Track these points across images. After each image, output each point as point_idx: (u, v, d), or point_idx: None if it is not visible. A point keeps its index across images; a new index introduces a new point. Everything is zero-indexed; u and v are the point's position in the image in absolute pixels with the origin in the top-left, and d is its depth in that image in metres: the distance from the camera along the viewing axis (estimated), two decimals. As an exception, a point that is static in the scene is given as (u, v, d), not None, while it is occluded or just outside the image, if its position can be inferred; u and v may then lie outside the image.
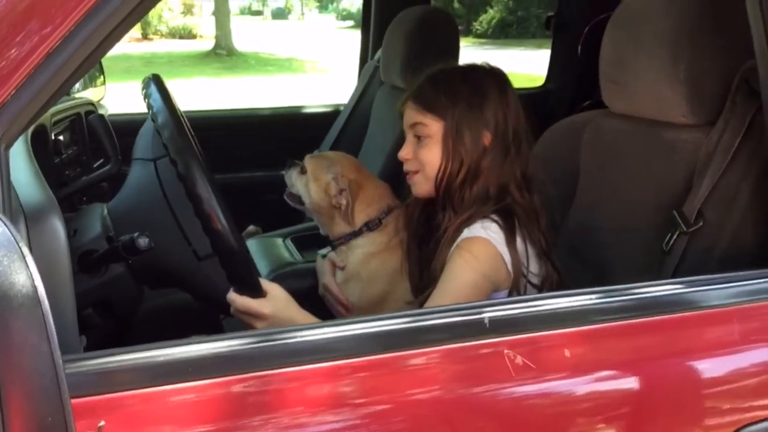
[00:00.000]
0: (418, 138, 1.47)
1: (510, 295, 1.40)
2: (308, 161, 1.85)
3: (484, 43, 16.56)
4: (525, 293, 1.41)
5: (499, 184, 1.44)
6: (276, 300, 1.25)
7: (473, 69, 1.53)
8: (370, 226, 1.72)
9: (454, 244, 1.40)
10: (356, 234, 1.73)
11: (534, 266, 1.44)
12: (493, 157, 1.44)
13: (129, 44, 16.50)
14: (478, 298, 1.35)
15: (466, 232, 1.40)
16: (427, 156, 1.46)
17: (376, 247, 1.71)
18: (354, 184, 1.74)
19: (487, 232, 1.39)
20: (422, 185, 1.49)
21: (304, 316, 1.27)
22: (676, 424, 1.08)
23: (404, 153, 1.50)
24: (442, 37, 2.48)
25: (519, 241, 1.42)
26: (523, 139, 1.47)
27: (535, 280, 1.43)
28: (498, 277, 1.39)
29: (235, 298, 1.24)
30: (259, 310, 1.23)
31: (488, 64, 1.55)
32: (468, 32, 17.68)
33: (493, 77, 1.50)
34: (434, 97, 1.45)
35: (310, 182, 1.81)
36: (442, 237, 1.44)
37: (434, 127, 1.45)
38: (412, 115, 1.48)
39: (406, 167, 1.51)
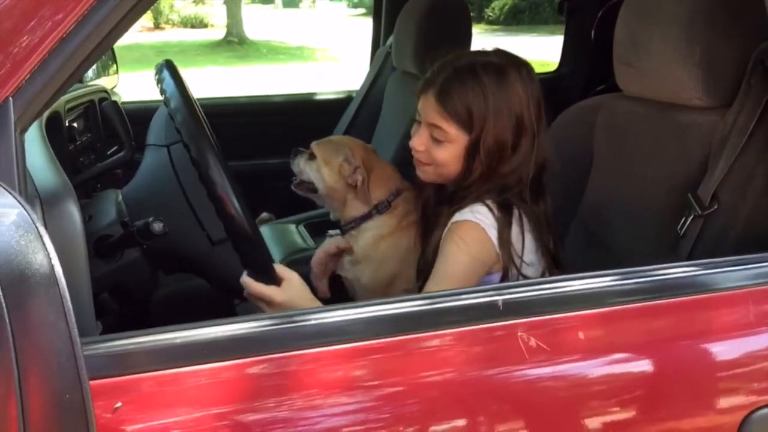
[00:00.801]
0: (435, 139, 1.42)
1: (502, 280, 1.39)
2: (315, 147, 1.85)
3: (496, 29, 16.47)
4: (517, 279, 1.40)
5: (512, 182, 1.41)
6: (291, 288, 1.25)
7: (503, 68, 1.41)
8: (380, 208, 1.73)
9: (446, 229, 1.40)
10: (366, 217, 1.73)
11: (530, 257, 1.42)
12: (514, 161, 1.40)
13: (141, 34, 16.54)
14: (471, 280, 1.35)
15: (456, 216, 1.40)
16: (441, 157, 1.42)
17: (386, 230, 1.72)
18: (366, 162, 1.75)
19: (474, 215, 1.38)
20: (432, 176, 1.47)
21: (317, 305, 1.26)
22: (690, 406, 1.08)
23: (417, 144, 1.44)
24: (454, 23, 2.46)
25: (516, 230, 1.40)
26: (542, 134, 1.43)
27: (528, 271, 1.41)
28: (488, 258, 1.38)
29: (248, 282, 1.24)
30: (272, 297, 1.23)
31: (517, 58, 1.46)
32: (480, 19, 17.59)
33: (521, 75, 1.41)
34: (461, 105, 1.38)
35: (322, 167, 1.81)
36: (437, 222, 1.45)
37: (456, 135, 1.39)
38: (432, 115, 1.41)
39: (416, 155, 1.47)
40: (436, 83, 1.42)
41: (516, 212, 1.40)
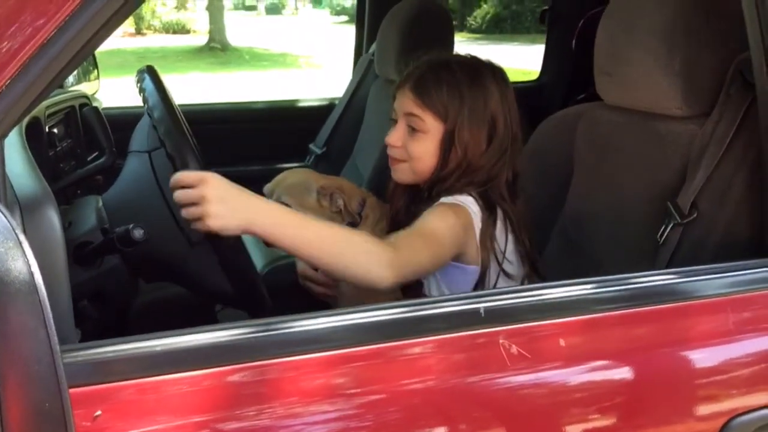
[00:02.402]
0: (411, 128, 1.43)
1: (481, 277, 1.39)
2: (284, 196, 1.76)
3: (478, 38, 16.55)
4: (497, 280, 1.41)
5: (487, 178, 1.42)
6: (216, 180, 1.12)
7: (477, 67, 1.47)
8: (353, 223, 1.72)
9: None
10: None
11: (511, 256, 1.43)
12: (488, 158, 1.41)
13: (122, 39, 16.45)
14: (442, 246, 1.32)
15: (443, 200, 1.39)
16: (417, 150, 1.42)
17: None
18: (336, 186, 1.74)
19: (459, 200, 1.38)
20: (407, 175, 1.46)
21: (255, 197, 1.15)
22: (670, 413, 1.09)
23: (393, 139, 1.44)
24: (436, 30, 2.47)
25: (499, 225, 1.41)
26: (518, 140, 1.46)
27: (509, 269, 1.42)
28: (465, 240, 1.37)
29: (179, 175, 1.13)
30: (204, 177, 1.11)
31: (490, 61, 1.50)
32: (462, 27, 17.67)
33: (496, 77, 1.45)
34: (437, 94, 1.40)
35: (300, 211, 1.79)
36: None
37: (432, 124, 1.40)
38: (408, 104, 1.42)
39: (391, 153, 1.47)
40: (412, 78, 1.44)
41: (499, 210, 1.41)
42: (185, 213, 1.11)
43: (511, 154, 1.44)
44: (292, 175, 1.93)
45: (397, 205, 1.56)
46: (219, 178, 1.11)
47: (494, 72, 1.46)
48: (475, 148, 1.41)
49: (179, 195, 1.11)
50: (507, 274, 1.42)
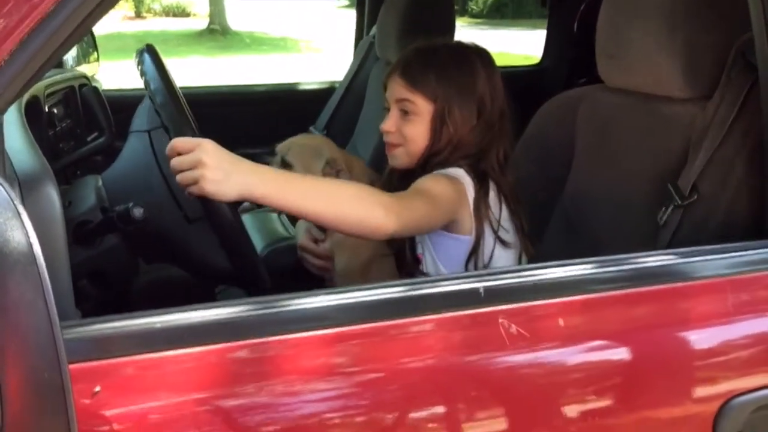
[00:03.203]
0: (404, 112, 1.47)
1: (476, 246, 1.41)
2: (291, 155, 1.79)
3: (479, 23, 16.47)
4: (494, 248, 1.43)
5: (478, 154, 1.46)
6: (212, 146, 1.12)
7: (462, 49, 1.53)
8: None
9: None
10: None
11: (506, 224, 1.46)
12: (477, 134, 1.46)
13: (122, 23, 16.38)
14: (438, 205, 1.35)
15: (435, 172, 1.43)
16: (411, 132, 1.46)
17: None
18: (346, 162, 1.75)
19: (450, 172, 1.42)
20: (402, 158, 1.50)
21: (250, 163, 1.15)
22: (668, 394, 1.09)
23: (387, 126, 1.48)
24: (437, 12, 2.47)
25: (493, 195, 1.44)
26: (506, 120, 1.49)
27: (506, 238, 1.45)
28: (459, 205, 1.40)
29: (174, 161, 1.12)
30: (201, 143, 1.10)
31: (475, 44, 1.55)
32: (464, 12, 17.57)
33: (481, 58, 1.50)
34: (424, 76, 1.45)
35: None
36: None
37: (423, 106, 1.44)
38: (399, 90, 1.47)
39: (387, 139, 1.50)
40: (400, 65, 1.49)
41: (492, 183, 1.45)
42: (180, 178, 1.11)
43: (500, 131, 1.48)
44: (309, 138, 1.93)
45: (392, 187, 1.57)
46: (214, 144, 1.11)
47: (479, 54, 1.52)
48: (465, 125, 1.45)
49: (175, 161, 1.11)
50: (503, 242, 1.45)
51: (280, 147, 1.78)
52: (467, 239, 1.42)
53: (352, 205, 1.21)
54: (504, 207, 1.46)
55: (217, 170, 1.09)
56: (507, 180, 1.48)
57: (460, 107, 1.44)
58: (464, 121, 1.44)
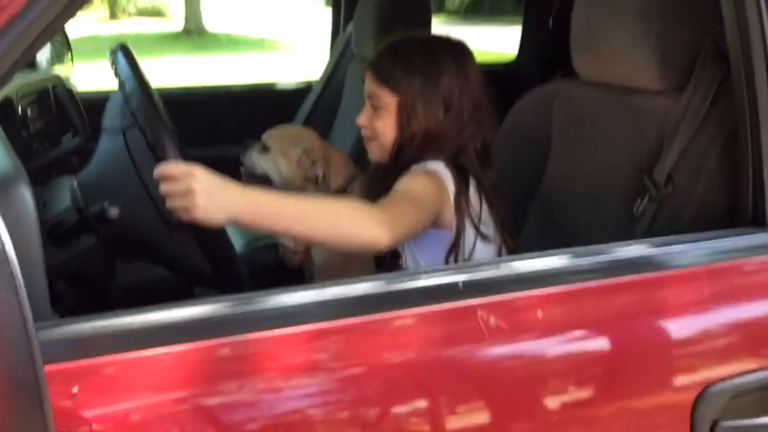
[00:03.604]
0: (374, 107, 1.49)
1: (456, 241, 1.42)
2: (269, 138, 1.83)
3: (456, 20, 16.50)
4: (475, 243, 1.43)
5: (455, 147, 1.46)
6: (202, 173, 1.11)
7: (433, 42, 1.55)
8: (336, 195, 1.74)
9: None
10: None
11: (486, 219, 1.47)
12: (448, 128, 1.45)
13: (97, 24, 16.23)
14: (423, 206, 1.35)
15: (413, 168, 1.43)
16: (380, 126, 1.48)
17: None
18: (324, 154, 1.75)
19: (429, 167, 1.42)
20: (376, 152, 1.52)
21: (239, 187, 1.15)
22: (646, 382, 1.10)
23: (361, 120, 1.52)
24: (413, 9, 2.47)
25: (472, 190, 1.44)
26: (483, 111, 1.49)
27: (486, 232, 1.45)
28: (441, 200, 1.40)
29: (164, 187, 1.12)
30: (192, 171, 1.10)
31: (450, 37, 1.55)
32: (441, 9, 17.60)
33: (453, 51, 1.50)
34: (390, 70, 1.46)
35: (279, 159, 1.81)
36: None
37: (388, 99, 1.46)
38: (369, 85, 1.49)
39: (363, 133, 1.53)
40: (373, 60, 1.52)
41: (472, 177, 1.45)
42: (171, 204, 1.12)
43: (477, 124, 1.47)
44: (292, 128, 1.96)
45: (375, 189, 1.57)
46: (204, 170, 1.12)
47: (452, 46, 1.52)
48: (430, 118, 1.45)
49: (165, 187, 1.12)
50: (484, 236, 1.45)
51: (265, 135, 1.81)
52: (448, 234, 1.43)
53: (344, 225, 1.20)
54: (484, 201, 1.47)
55: (208, 197, 1.10)
56: (487, 175, 1.48)
57: (424, 100, 1.44)
58: (428, 113, 1.44)
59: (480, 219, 1.45)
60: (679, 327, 1.13)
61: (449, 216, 1.42)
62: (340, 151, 1.87)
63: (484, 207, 1.47)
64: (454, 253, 1.43)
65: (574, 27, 1.58)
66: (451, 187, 1.42)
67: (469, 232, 1.44)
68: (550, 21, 3.28)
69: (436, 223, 1.42)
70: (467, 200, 1.43)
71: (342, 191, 1.75)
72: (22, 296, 0.67)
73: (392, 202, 1.32)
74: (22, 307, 0.66)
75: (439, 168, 1.43)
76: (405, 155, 1.46)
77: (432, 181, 1.40)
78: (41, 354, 0.71)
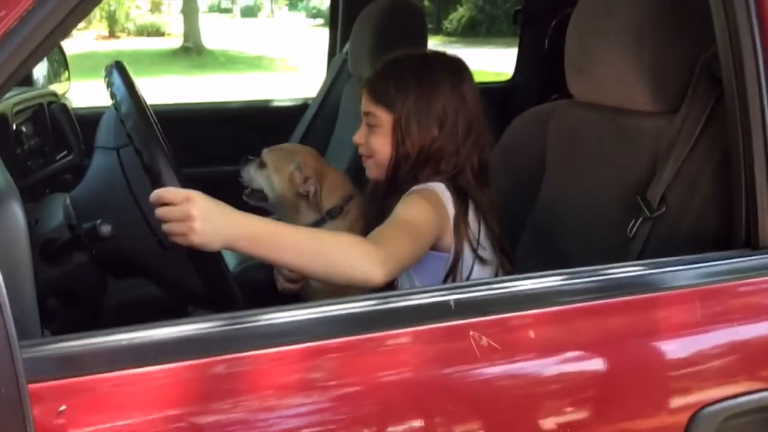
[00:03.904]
0: (370, 125, 1.50)
1: (454, 264, 1.41)
2: (267, 154, 1.85)
3: (454, 41, 16.61)
4: (473, 266, 1.43)
5: (452, 165, 1.46)
6: (200, 198, 1.12)
7: (429, 60, 1.54)
8: (332, 214, 1.75)
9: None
10: (319, 223, 1.74)
11: (484, 242, 1.46)
12: (443, 146, 1.45)
13: (95, 42, 16.31)
14: (421, 234, 1.33)
15: (413, 188, 1.43)
16: (376, 144, 1.49)
17: None
18: (318, 171, 1.75)
19: (430, 186, 1.42)
20: (373, 170, 1.53)
21: (237, 213, 1.15)
22: (639, 404, 1.10)
23: (357, 138, 1.53)
24: (409, 28, 2.48)
25: (471, 215, 1.44)
26: (479, 129, 1.48)
27: (484, 255, 1.44)
28: (441, 221, 1.39)
29: (161, 212, 1.12)
30: (190, 194, 1.10)
31: (446, 54, 1.56)
32: (438, 30, 17.73)
33: (448, 69, 1.50)
34: (384, 89, 1.47)
35: (273, 174, 1.82)
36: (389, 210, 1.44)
37: (383, 117, 1.47)
38: (365, 103, 1.50)
39: (360, 151, 1.54)
40: (369, 78, 1.53)
41: (470, 199, 1.45)
42: (168, 228, 1.11)
43: (474, 142, 1.47)
44: (291, 145, 1.98)
45: (378, 203, 1.57)
46: (203, 196, 1.12)
47: (448, 63, 1.52)
48: (424, 135, 1.45)
49: (162, 212, 1.11)
50: (482, 260, 1.44)
51: (265, 150, 1.85)
52: (445, 256, 1.42)
53: (338, 262, 1.19)
54: (482, 224, 1.46)
55: (206, 223, 1.09)
56: (486, 196, 1.47)
57: (418, 118, 1.44)
58: (423, 130, 1.44)
59: (478, 242, 1.44)
60: (672, 348, 1.12)
61: (448, 239, 1.41)
62: (338, 170, 1.87)
63: (483, 230, 1.46)
64: (451, 276, 1.42)
65: (568, 48, 1.58)
66: (451, 210, 1.41)
67: (467, 255, 1.43)
68: (546, 42, 3.31)
69: (434, 245, 1.41)
70: (466, 223, 1.43)
71: (338, 210, 1.75)
72: (7, 314, 0.66)
73: (389, 235, 1.29)
74: (7, 325, 0.65)
75: (440, 189, 1.42)
76: (401, 173, 1.46)
77: (432, 205, 1.39)
78: (27, 372, 0.70)
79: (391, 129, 1.46)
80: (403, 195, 1.41)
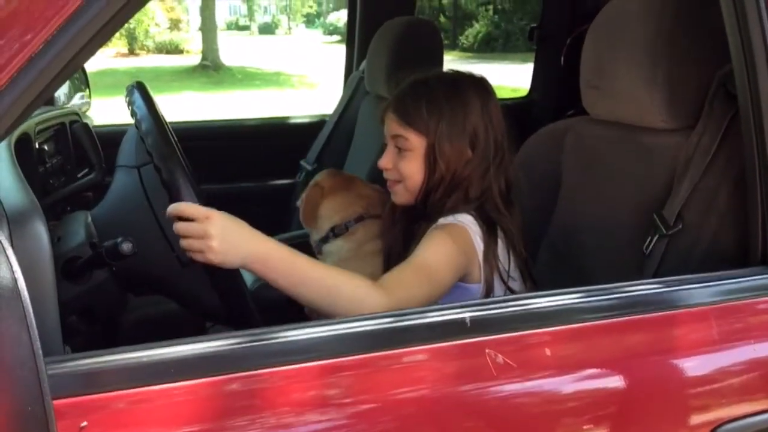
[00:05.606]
0: (399, 149, 1.46)
1: (486, 295, 1.38)
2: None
3: (470, 57, 16.66)
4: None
5: (480, 190, 1.44)
6: (220, 218, 1.14)
7: (457, 79, 1.50)
8: (336, 231, 1.76)
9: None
10: (324, 240, 1.76)
11: (514, 273, 1.44)
12: (474, 167, 1.43)
13: (115, 59, 16.50)
14: (440, 278, 1.30)
15: (441, 221, 1.39)
16: (407, 169, 1.45)
17: (344, 254, 1.74)
18: (316, 189, 1.78)
19: (459, 220, 1.38)
20: (402, 195, 1.49)
21: (255, 234, 1.16)
22: (656, 422, 1.09)
23: (384, 163, 1.48)
24: (426, 46, 2.49)
25: (501, 245, 1.41)
26: (504, 148, 1.47)
27: (513, 285, 1.42)
28: (468, 260, 1.36)
29: (179, 205, 1.14)
30: (209, 213, 1.12)
31: (472, 74, 1.53)
32: (454, 46, 17.80)
33: (477, 88, 1.47)
34: (416, 112, 1.43)
35: (301, 193, 1.89)
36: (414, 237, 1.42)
37: (415, 141, 1.43)
38: (393, 126, 1.46)
39: (386, 176, 1.50)
40: (394, 100, 1.48)
41: (499, 228, 1.42)
42: (186, 244, 1.13)
43: (500, 163, 1.45)
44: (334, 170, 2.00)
45: (393, 230, 1.57)
46: (222, 215, 1.13)
47: (475, 83, 1.49)
48: (458, 159, 1.43)
49: (181, 228, 1.13)
50: (512, 291, 1.42)
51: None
52: (476, 287, 1.39)
53: (345, 305, 1.17)
54: (511, 254, 1.43)
55: (223, 242, 1.11)
56: (514, 222, 1.44)
57: (451, 140, 1.42)
58: (457, 153, 1.42)
59: (509, 275, 1.41)
60: (689, 366, 1.12)
61: (477, 271, 1.38)
62: (359, 192, 1.85)
63: (512, 259, 1.43)
64: None
65: (584, 65, 1.59)
66: (479, 244, 1.38)
67: (498, 288, 1.40)
68: (562, 59, 3.31)
69: (463, 278, 1.38)
70: (496, 256, 1.39)
71: (343, 228, 1.77)
72: (33, 333, 0.68)
73: (405, 281, 1.26)
74: (34, 343, 0.67)
75: (468, 223, 1.39)
76: (432, 198, 1.43)
77: (458, 245, 1.35)
78: (51, 389, 0.72)
79: (423, 153, 1.43)
80: (430, 227, 1.39)
